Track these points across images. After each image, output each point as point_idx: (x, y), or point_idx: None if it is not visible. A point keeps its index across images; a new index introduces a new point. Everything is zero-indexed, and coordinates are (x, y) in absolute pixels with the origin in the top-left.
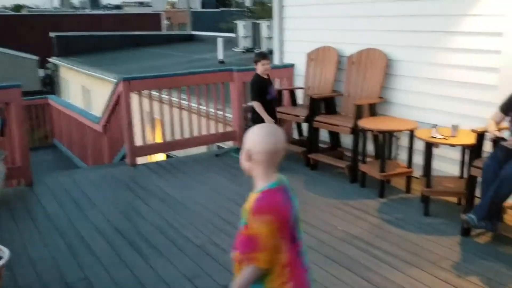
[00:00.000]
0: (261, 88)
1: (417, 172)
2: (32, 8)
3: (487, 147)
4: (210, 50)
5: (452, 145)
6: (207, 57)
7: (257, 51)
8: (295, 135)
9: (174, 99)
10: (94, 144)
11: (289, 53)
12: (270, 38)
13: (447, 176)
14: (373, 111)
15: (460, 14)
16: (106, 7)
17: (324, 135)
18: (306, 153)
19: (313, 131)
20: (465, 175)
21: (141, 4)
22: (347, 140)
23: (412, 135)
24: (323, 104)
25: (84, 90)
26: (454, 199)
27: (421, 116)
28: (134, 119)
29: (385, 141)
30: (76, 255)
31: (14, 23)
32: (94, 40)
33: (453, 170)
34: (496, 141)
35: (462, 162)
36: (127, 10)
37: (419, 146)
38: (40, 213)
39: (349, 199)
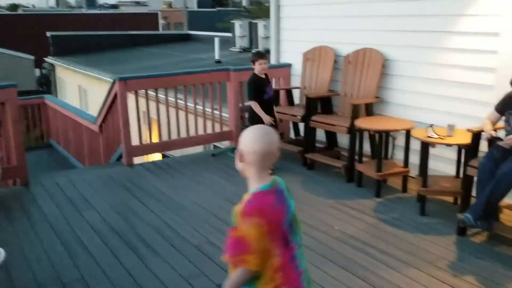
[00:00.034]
0: (258, 88)
1: (414, 171)
2: (28, 7)
3: (483, 146)
4: (207, 49)
5: (448, 145)
6: (204, 57)
7: (254, 50)
8: (292, 135)
9: (171, 98)
10: (91, 144)
11: (286, 52)
12: (267, 37)
13: (443, 175)
14: (369, 110)
15: (456, 14)
16: (102, 6)
17: (320, 134)
18: (302, 153)
19: (310, 131)
20: (461, 174)
21: (137, 3)
22: (343, 139)
23: (408, 135)
24: (319, 104)
25: (81, 89)
26: (450, 199)
27: (417, 115)
28: (131, 119)
29: (381, 140)
30: (73, 255)
31: (10, 22)
32: (91, 39)
33: (449, 169)
34: (492, 140)
35: (458, 162)
36: (124, 9)
37: (415, 145)
38: (36, 213)
39: (345, 198)
